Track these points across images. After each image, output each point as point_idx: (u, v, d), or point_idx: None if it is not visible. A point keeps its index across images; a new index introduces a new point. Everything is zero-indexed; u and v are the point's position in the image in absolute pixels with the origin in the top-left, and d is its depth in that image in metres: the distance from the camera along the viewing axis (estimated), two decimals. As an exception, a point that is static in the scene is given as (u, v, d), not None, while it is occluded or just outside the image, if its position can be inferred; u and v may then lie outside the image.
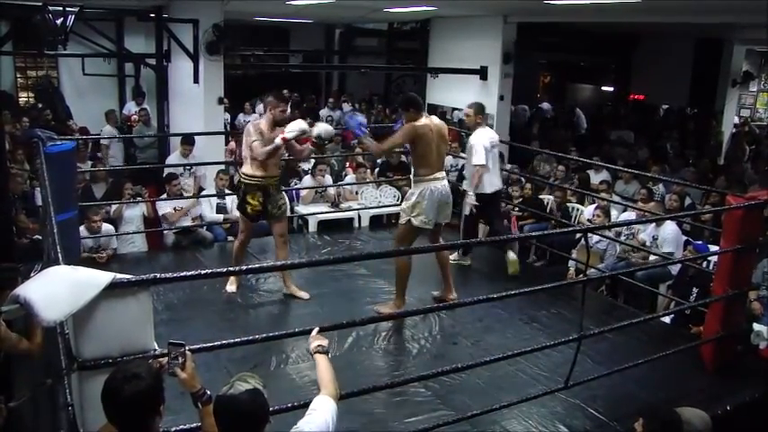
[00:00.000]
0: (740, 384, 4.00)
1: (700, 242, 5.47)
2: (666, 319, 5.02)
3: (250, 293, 5.10)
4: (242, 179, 4.88)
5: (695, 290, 5.05)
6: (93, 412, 1.91)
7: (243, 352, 3.77)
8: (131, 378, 1.83)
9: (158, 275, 2.49)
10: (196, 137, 7.67)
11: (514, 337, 4.47)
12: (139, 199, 6.41)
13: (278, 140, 4.64)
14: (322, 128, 5.03)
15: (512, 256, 5.53)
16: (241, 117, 11.24)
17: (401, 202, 7.34)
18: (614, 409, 3.61)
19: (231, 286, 5.04)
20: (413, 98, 4.79)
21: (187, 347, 2.19)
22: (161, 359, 2.20)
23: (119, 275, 2.23)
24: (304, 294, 4.98)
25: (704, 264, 5.20)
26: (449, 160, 8.11)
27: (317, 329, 2.53)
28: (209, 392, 2.14)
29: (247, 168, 4.80)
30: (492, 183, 5.54)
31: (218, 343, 2.84)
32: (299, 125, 4.71)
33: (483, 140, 5.45)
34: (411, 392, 3.65)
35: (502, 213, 6.41)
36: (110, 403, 1.84)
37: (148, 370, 1.92)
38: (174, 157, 7.72)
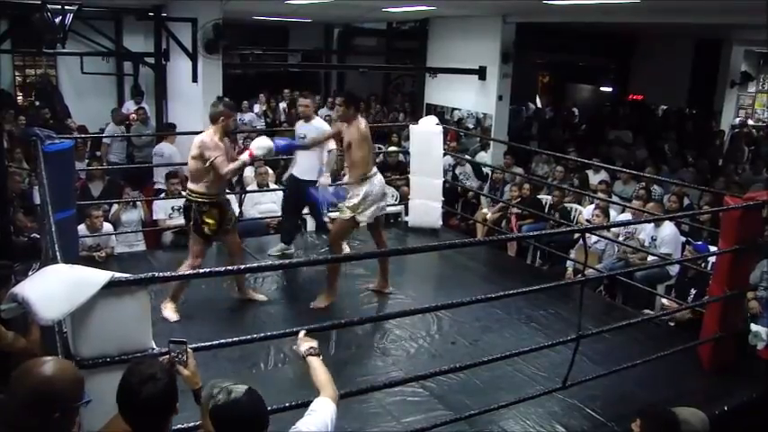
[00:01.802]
0: (738, 385, 4.01)
1: (699, 242, 5.47)
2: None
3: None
4: (192, 198, 4.43)
5: (693, 291, 5.06)
6: (91, 412, 1.90)
7: (241, 351, 3.77)
8: (148, 379, 1.80)
9: (156, 274, 2.50)
10: (194, 136, 7.65)
11: (512, 337, 4.47)
12: (136, 197, 6.43)
13: (245, 158, 4.48)
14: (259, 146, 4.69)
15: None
16: (239, 116, 11.21)
17: (399, 201, 7.40)
18: (612, 409, 3.61)
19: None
20: (359, 98, 4.88)
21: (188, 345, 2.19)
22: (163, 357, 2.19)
23: (117, 274, 2.23)
24: (261, 296, 4.87)
25: (703, 264, 5.21)
26: (447, 160, 8.11)
27: (303, 332, 2.48)
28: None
29: (199, 186, 4.40)
30: None
31: (217, 342, 2.83)
32: (266, 143, 4.57)
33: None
34: (408, 392, 3.65)
35: None
36: (126, 405, 1.82)
37: (162, 369, 1.89)
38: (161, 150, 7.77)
